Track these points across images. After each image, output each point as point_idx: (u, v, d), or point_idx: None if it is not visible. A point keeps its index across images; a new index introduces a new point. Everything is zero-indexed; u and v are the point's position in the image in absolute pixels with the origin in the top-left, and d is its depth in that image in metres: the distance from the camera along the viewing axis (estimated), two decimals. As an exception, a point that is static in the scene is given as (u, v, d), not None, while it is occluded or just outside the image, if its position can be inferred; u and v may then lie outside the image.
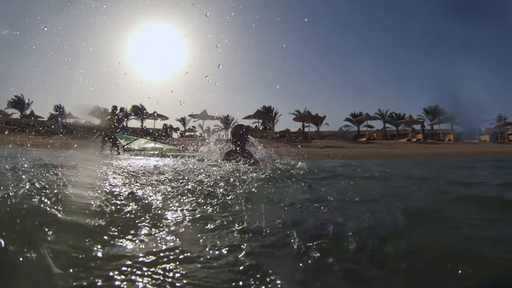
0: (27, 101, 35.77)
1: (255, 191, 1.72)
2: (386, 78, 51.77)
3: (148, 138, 8.56)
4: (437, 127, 27.41)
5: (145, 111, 34.34)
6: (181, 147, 7.39)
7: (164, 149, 7.36)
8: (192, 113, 29.13)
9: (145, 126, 31.56)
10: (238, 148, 3.32)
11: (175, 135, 29.56)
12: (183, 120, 36.91)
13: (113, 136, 9.21)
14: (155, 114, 29.90)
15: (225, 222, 1.11)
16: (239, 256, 0.83)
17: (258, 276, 0.73)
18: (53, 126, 28.22)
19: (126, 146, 7.90)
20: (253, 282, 0.71)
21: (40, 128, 26.51)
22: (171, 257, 0.82)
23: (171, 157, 5.25)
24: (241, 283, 0.71)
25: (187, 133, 32.42)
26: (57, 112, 31.12)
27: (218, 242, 0.94)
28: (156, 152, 6.87)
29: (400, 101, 62.16)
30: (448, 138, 23.08)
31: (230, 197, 1.50)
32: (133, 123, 34.95)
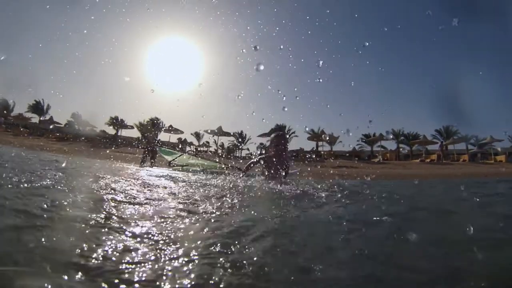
0: (45, 106, 37.09)
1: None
2: (399, 100, 51.69)
3: (190, 153, 8.65)
4: (451, 147, 27.35)
5: (161, 125, 35.51)
6: (222, 164, 7.70)
7: (206, 164, 7.56)
8: (208, 129, 30.19)
9: (159, 139, 32.50)
10: (275, 158, 3.65)
11: (188, 149, 30.62)
12: (197, 135, 38.11)
13: (153, 149, 9.46)
14: (171, 128, 30.95)
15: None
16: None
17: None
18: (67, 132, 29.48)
19: (172, 162, 8.10)
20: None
21: (58, 134, 27.88)
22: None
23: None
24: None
25: (200, 148, 33.41)
26: (73, 119, 32.53)
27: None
28: (200, 168, 7.04)
29: (412, 123, 61.56)
30: (463, 159, 23.04)
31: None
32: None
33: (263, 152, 3.79)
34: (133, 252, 1.00)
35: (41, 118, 36.34)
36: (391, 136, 31.87)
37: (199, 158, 8.25)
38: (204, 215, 1.63)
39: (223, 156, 25.62)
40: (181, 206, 1.86)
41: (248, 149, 36.02)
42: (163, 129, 32.39)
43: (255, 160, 3.94)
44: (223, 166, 7.22)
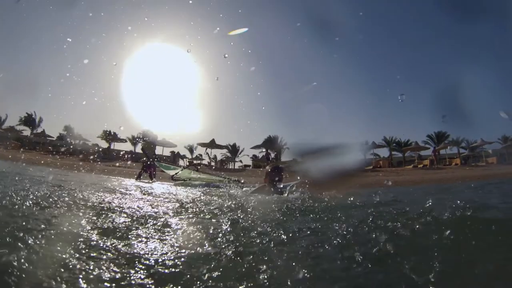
0: (37, 119, 36.39)
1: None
2: (390, 108, 52.26)
3: (191, 168, 8.79)
4: (443, 152, 27.51)
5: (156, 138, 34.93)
6: (225, 177, 7.72)
7: (207, 178, 7.74)
8: (201, 142, 30.18)
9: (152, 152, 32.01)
10: (271, 186, 3.78)
11: (182, 162, 30.51)
12: (191, 148, 37.89)
13: (152, 164, 9.55)
14: (164, 141, 30.63)
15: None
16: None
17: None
18: (60, 145, 29.04)
19: (174, 176, 8.14)
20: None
21: (50, 148, 27.36)
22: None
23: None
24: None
25: (194, 161, 33.21)
26: (66, 132, 32.07)
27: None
28: (203, 183, 7.16)
29: (403, 130, 62.18)
30: (455, 162, 23.17)
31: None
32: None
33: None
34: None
35: (33, 131, 35.71)
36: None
37: (201, 173, 8.44)
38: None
39: (217, 167, 25.52)
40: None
41: (241, 161, 35.85)
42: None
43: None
44: (225, 180, 7.47)
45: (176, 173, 8.25)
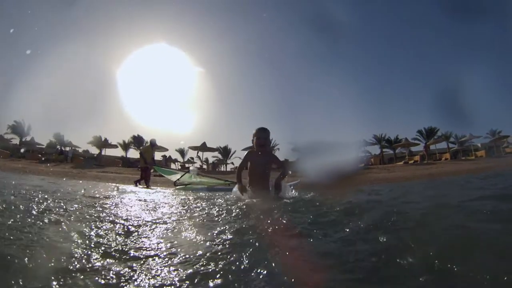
0: (26, 127, 34.83)
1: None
2: (379, 105, 52.65)
3: (191, 172, 8.71)
4: (433, 147, 27.78)
5: (145, 142, 34.71)
6: (227, 180, 7.69)
7: (208, 182, 7.72)
8: (192, 145, 30.00)
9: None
10: (259, 150, 3.65)
11: (173, 166, 30.16)
12: (182, 152, 37.48)
13: (150, 170, 9.52)
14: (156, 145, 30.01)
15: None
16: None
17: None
18: (53, 154, 28.50)
19: (176, 181, 8.06)
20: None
21: (39, 155, 26.70)
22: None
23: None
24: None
25: (186, 165, 32.89)
26: (55, 141, 31.41)
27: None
28: (204, 187, 7.15)
29: (393, 126, 62.81)
30: (445, 157, 23.40)
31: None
32: (133, 153, 35.62)
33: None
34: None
35: (22, 139, 34.59)
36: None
37: (202, 176, 8.39)
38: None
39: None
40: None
41: (232, 163, 35.68)
42: (142, 147, 31.69)
43: (241, 163, 3.85)
44: (226, 183, 7.49)
45: (178, 179, 8.20)
